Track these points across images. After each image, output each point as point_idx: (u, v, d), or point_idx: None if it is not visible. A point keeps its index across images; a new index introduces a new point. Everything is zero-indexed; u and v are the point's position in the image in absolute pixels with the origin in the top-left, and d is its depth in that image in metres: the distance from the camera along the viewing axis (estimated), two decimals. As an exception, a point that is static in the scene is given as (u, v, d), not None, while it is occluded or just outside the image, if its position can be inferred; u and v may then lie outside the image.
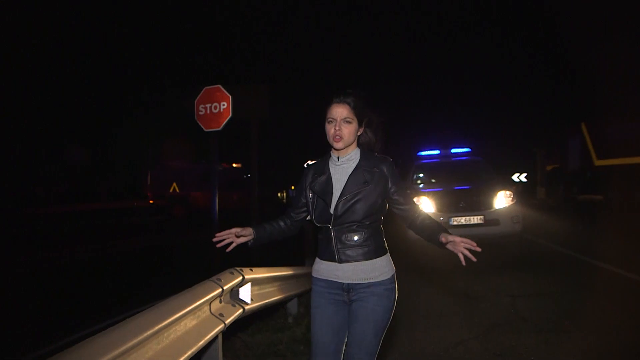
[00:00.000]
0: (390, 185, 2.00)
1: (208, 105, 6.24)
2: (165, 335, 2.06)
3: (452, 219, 7.09)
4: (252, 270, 3.08)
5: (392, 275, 2.01)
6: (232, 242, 2.10)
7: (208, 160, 21.45)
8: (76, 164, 24.64)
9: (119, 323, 1.83)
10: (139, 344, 1.83)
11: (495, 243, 7.26)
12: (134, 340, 1.78)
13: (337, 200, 1.96)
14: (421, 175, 9.02)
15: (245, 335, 3.82)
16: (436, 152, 9.42)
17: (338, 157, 2.06)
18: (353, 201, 1.94)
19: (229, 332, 2.94)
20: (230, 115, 6.06)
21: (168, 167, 20.70)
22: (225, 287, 2.62)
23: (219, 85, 6.20)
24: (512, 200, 7.25)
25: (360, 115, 2.03)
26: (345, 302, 2.01)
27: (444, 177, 8.46)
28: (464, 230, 7.04)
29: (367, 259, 1.96)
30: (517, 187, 24.15)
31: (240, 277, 2.86)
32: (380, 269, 1.97)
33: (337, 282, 1.99)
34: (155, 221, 17.94)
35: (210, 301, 2.51)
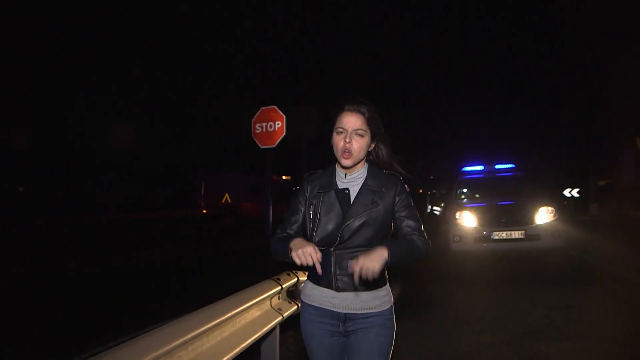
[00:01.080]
0: (397, 200, 1.81)
1: (264, 124, 6.83)
2: (237, 320, 2.55)
3: (494, 233, 7.33)
4: (304, 273, 3.56)
5: (391, 307, 1.87)
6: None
7: (258, 172, 22.37)
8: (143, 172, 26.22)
9: (201, 308, 2.34)
10: (219, 324, 2.33)
11: (536, 258, 7.45)
12: (216, 321, 2.29)
13: (344, 222, 1.77)
14: (465, 190, 9.28)
15: (296, 332, 4.30)
16: (480, 167, 9.64)
17: (345, 175, 1.88)
18: (360, 224, 1.76)
19: (283, 327, 3.40)
20: (285, 133, 6.63)
21: (220, 178, 21.68)
22: (284, 286, 3.10)
23: (274, 106, 6.79)
24: (554, 216, 7.42)
25: (374, 129, 1.84)
26: (341, 333, 1.86)
27: (487, 192, 8.71)
28: (506, 245, 7.28)
29: (367, 290, 1.79)
30: (568, 203, 23.67)
31: (296, 279, 3.34)
32: (381, 298, 1.82)
33: (332, 310, 1.83)
34: (207, 229, 18.85)
35: (271, 297, 2.99)
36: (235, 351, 2.35)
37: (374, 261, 1.57)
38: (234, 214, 20.55)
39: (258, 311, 2.86)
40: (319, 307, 1.85)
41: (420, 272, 7.38)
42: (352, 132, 1.77)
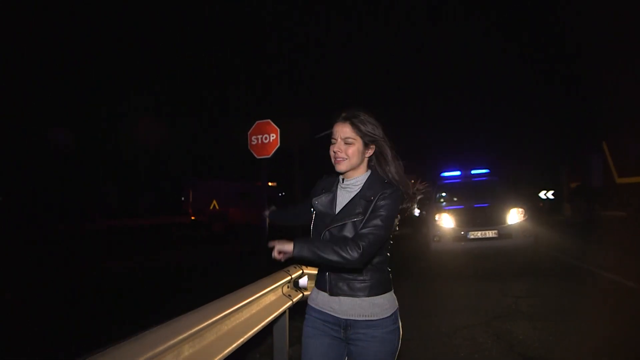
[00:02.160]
0: (374, 206, 1.78)
1: (259, 136, 7.44)
2: (258, 302, 3.16)
3: (470, 233, 8.07)
4: (307, 267, 4.18)
5: (395, 313, 1.84)
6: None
7: (245, 179, 22.83)
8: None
9: (228, 294, 2.94)
10: (244, 306, 2.94)
11: (508, 254, 8.22)
12: (242, 303, 2.90)
13: (328, 228, 1.84)
14: (444, 194, 10.02)
15: (301, 317, 4.92)
16: (457, 173, 10.40)
17: (343, 180, 1.96)
18: (341, 231, 1.81)
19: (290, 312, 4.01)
20: (279, 144, 7.25)
21: (208, 185, 22.14)
22: (293, 276, 3.72)
23: (269, 120, 7.41)
24: (525, 217, 8.18)
25: (366, 135, 1.85)
26: (342, 340, 1.87)
27: (464, 195, 9.45)
28: (481, 243, 8.02)
29: (364, 296, 1.80)
30: (544, 204, 24.65)
31: (301, 271, 3.96)
32: (381, 305, 1.80)
33: (332, 315, 1.86)
34: (198, 236, 19.31)
35: (282, 285, 3.61)
36: (256, 329, 2.90)
37: (282, 246, 1.73)
38: (223, 220, 21.02)
39: (273, 296, 3.48)
40: (322, 311, 1.89)
41: (404, 269, 8.07)
42: (341, 141, 1.85)
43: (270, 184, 23.18)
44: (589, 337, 4.17)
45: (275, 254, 1.73)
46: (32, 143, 22.26)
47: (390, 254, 1.89)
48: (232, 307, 2.73)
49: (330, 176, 2.04)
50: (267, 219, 2.43)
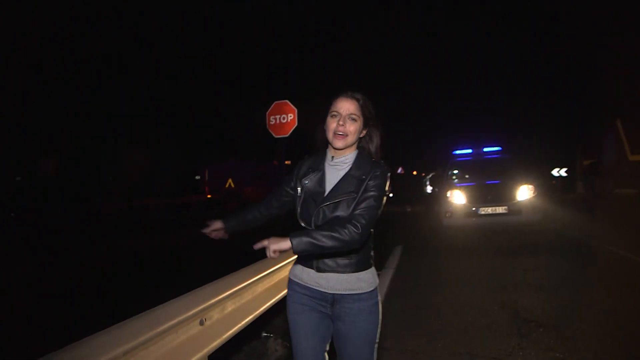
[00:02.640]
0: (366, 185, 1.82)
1: (277, 116, 7.72)
2: (286, 269, 3.47)
3: (480, 209, 8.34)
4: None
5: (376, 287, 1.91)
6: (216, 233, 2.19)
7: (259, 158, 23.20)
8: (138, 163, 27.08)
9: (260, 260, 3.25)
10: (275, 271, 3.27)
11: (517, 230, 8.49)
12: (273, 268, 3.23)
13: (321, 205, 1.84)
14: (456, 171, 10.25)
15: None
16: (469, 151, 10.61)
17: (333, 157, 1.94)
18: (335, 210, 1.81)
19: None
20: (296, 124, 7.53)
21: (223, 165, 22.57)
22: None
23: (287, 100, 7.68)
24: (534, 193, 8.42)
25: (367, 116, 1.91)
26: (328, 315, 1.91)
27: (475, 173, 9.69)
28: (491, 219, 8.30)
29: (349, 272, 1.84)
30: (557, 182, 24.71)
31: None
32: (366, 280, 1.86)
33: (319, 290, 1.88)
34: (213, 214, 19.79)
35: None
36: (275, 298, 3.15)
37: (277, 245, 1.66)
38: (238, 198, 21.49)
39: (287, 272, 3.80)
40: (307, 287, 1.90)
41: (417, 244, 8.39)
42: (346, 116, 1.85)
43: (286, 162, 23.56)
44: (588, 306, 4.47)
45: (270, 254, 1.66)
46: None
47: (374, 230, 1.88)
48: (265, 271, 3.10)
49: (314, 156, 2.02)
50: (224, 232, 2.19)
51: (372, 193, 1.79)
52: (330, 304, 1.87)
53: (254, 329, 3.30)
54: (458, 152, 10.74)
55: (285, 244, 1.66)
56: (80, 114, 23.73)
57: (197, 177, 29.82)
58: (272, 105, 7.78)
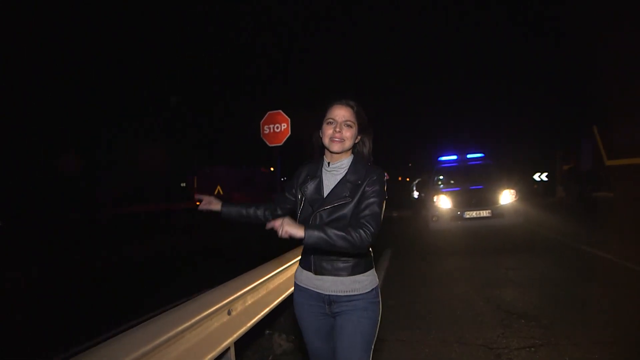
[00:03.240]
0: (365, 190, 1.89)
1: (271, 126, 8.05)
2: (286, 272, 3.80)
3: (465, 212, 8.78)
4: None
5: (375, 288, 1.97)
6: (207, 206, 2.29)
7: (247, 165, 23.45)
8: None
9: (273, 259, 3.60)
10: (287, 268, 3.61)
11: (500, 232, 8.95)
12: (285, 265, 3.56)
13: (318, 211, 1.92)
14: (441, 177, 10.70)
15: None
16: (454, 157, 11.08)
17: (329, 163, 2.02)
18: (333, 215, 1.89)
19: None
20: (290, 133, 7.87)
21: (212, 171, 22.79)
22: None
23: (280, 110, 8.02)
24: (515, 197, 8.89)
25: (361, 122, 2.00)
26: (328, 315, 1.98)
27: (460, 178, 10.14)
28: (475, 222, 8.74)
29: (346, 275, 1.91)
30: (538, 186, 25.46)
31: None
32: (362, 282, 1.92)
33: (316, 292, 1.97)
34: (203, 220, 20.00)
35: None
36: (285, 294, 3.47)
37: (291, 230, 1.68)
38: (226, 205, 21.74)
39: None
40: (306, 289, 2.00)
41: (405, 247, 8.79)
42: (341, 123, 1.93)
43: (272, 169, 23.87)
44: (564, 299, 4.89)
45: (282, 233, 1.69)
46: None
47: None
48: (277, 268, 3.43)
49: (311, 163, 2.11)
50: (219, 210, 2.25)
51: (373, 199, 1.86)
52: (328, 304, 1.94)
53: (258, 328, 3.38)
54: (443, 158, 11.19)
55: (299, 231, 1.69)
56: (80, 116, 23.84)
57: (183, 184, 30.10)
58: (266, 115, 8.11)
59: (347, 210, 1.86)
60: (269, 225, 1.73)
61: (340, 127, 1.92)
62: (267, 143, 8.09)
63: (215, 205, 2.24)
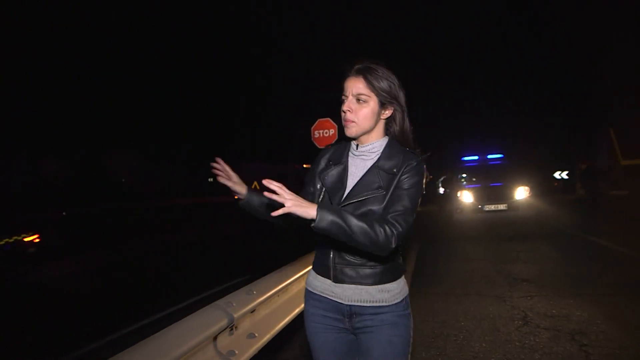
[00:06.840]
0: (399, 181, 1.50)
1: (321, 131, 9.58)
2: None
3: (485, 206, 10.24)
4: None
5: (405, 299, 1.60)
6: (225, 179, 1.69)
7: (282, 161, 25.09)
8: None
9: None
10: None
11: (515, 223, 10.38)
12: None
13: (341, 205, 1.52)
14: (464, 175, 12.14)
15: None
16: (476, 157, 12.49)
17: (357, 145, 1.62)
18: (359, 210, 1.49)
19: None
20: (337, 138, 9.33)
21: (249, 166, 24.51)
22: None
23: (329, 118, 9.53)
24: (529, 194, 10.30)
25: (382, 94, 1.52)
26: (348, 330, 1.61)
27: (481, 176, 11.57)
28: (493, 214, 10.22)
29: (371, 284, 1.54)
30: (559, 184, 26.43)
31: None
32: (392, 291, 1.55)
33: (334, 302, 1.59)
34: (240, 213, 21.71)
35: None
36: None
37: (300, 205, 1.31)
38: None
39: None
40: (321, 297, 1.63)
41: (434, 234, 10.27)
42: (352, 98, 1.53)
43: (305, 165, 25.51)
44: (560, 272, 6.33)
45: (288, 206, 1.28)
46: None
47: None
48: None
49: (336, 145, 1.73)
50: (240, 191, 1.68)
51: (407, 192, 1.49)
52: (348, 317, 1.59)
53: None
54: (466, 158, 12.62)
55: (309, 211, 1.31)
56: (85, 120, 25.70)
57: (210, 180, 31.93)
58: (316, 121, 9.63)
59: (378, 205, 1.49)
60: (267, 183, 1.28)
61: (349, 104, 1.54)
62: (318, 146, 9.59)
63: (240, 187, 1.68)
